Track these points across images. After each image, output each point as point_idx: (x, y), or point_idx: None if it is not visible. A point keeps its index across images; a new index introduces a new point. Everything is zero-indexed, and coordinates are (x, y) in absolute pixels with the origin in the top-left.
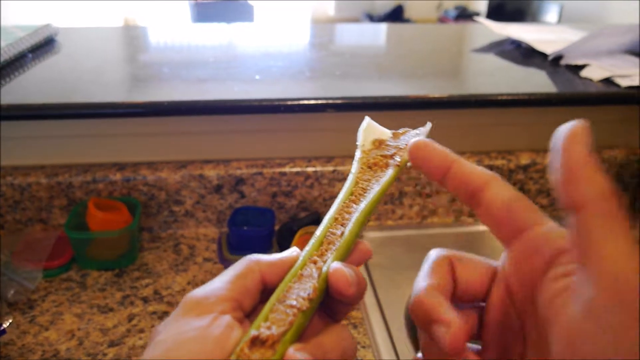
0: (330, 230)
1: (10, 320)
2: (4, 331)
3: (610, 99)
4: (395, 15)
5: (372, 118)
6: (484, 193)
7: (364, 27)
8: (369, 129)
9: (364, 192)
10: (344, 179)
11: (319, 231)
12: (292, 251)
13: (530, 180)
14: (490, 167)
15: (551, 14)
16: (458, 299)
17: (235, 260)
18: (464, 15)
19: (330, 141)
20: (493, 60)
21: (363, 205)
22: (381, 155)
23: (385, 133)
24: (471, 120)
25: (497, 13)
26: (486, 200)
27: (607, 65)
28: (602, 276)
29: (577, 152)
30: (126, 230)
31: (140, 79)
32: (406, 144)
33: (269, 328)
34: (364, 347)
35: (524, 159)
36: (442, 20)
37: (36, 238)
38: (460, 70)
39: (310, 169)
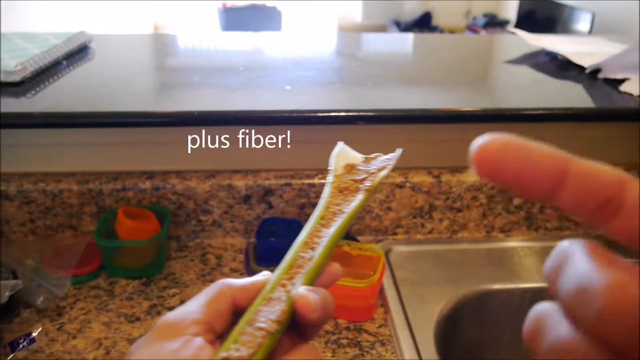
0: (300, 254)
1: (40, 329)
2: (33, 340)
3: None
4: (423, 22)
5: (402, 132)
6: (624, 197)
7: (394, 36)
8: (341, 154)
9: (334, 217)
10: None
11: (289, 255)
12: (263, 275)
13: None
14: None
15: (583, 22)
16: None
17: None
18: (493, 22)
19: (359, 153)
20: (527, 73)
21: (332, 229)
22: (352, 180)
23: (356, 158)
24: None
25: (526, 21)
26: (629, 207)
27: None
28: None
29: None
30: (154, 239)
31: (171, 87)
32: (377, 169)
33: (238, 350)
34: None
35: None
36: (470, 27)
37: (66, 245)
38: (492, 82)
39: None
